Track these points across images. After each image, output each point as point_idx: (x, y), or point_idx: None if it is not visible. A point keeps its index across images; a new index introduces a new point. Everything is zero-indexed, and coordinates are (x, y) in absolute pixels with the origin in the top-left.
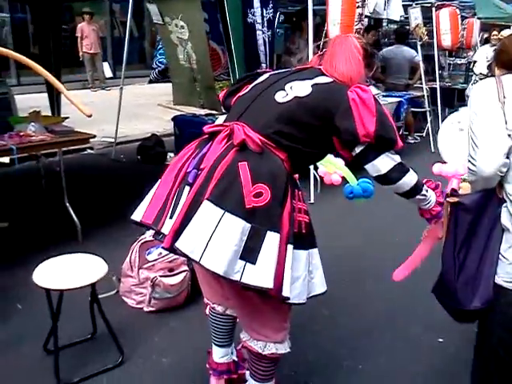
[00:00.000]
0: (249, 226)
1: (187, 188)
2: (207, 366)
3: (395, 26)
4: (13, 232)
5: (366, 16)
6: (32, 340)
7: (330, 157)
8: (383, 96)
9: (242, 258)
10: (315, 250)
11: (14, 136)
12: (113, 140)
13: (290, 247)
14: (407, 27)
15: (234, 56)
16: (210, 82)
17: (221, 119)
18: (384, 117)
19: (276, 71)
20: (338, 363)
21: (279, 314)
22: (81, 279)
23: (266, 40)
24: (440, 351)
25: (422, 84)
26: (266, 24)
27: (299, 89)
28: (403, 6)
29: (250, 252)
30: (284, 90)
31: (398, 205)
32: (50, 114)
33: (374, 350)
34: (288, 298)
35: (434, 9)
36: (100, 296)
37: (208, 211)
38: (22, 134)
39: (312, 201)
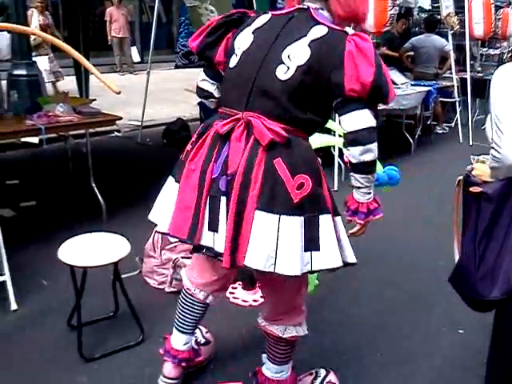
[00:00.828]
0: (302, 218)
1: (223, 198)
2: (161, 352)
3: (426, 15)
4: (40, 210)
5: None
6: (56, 315)
7: None
8: (411, 85)
9: (306, 250)
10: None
11: (42, 116)
12: (139, 123)
13: (338, 219)
14: (438, 16)
15: None
16: None
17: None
18: (382, 68)
19: (264, 20)
20: (357, 352)
21: (299, 296)
22: (104, 257)
23: None
24: (460, 343)
25: (451, 74)
26: None
27: (298, 56)
28: None
29: (311, 242)
30: (283, 62)
31: (420, 195)
32: (78, 96)
33: (394, 339)
34: (355, 264)
35: None
36: (123, 276)
37: (264, 221)
38: (50, 114)
39: (336, 188)
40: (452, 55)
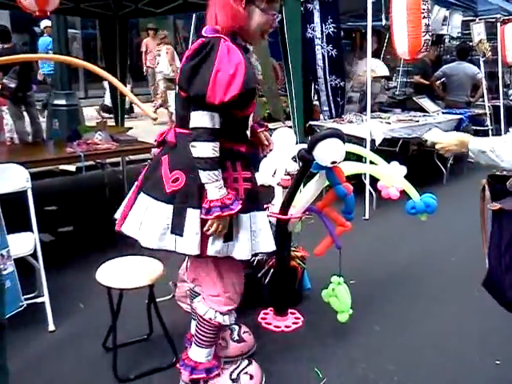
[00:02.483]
0: (172, 206)
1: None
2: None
3: (457, 42)
4: (77, 236)
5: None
6: (91, 337)
7: (386, 169)
8: (443, 113)
9: (172, 232)
10: (259, 213)
11: (81, 144)
12: None
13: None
14: (469, 43)
15: (290, 71)
16: (276, 91)
17: (279, 132)
18: (192, 69)
19: None
20: (390, 378)
21: (217, 284)
22: (140, 280)
23: (326, 55)
24: (496, 374)
25: (484, 102)
26: (325, 39)
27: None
28: (466, 21)
29: (177, 227)
30: None
31: (456, 223)
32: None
33: (425, 368)
34: (212, 256)
35: (498, 24)
36: (156, 300)
37: (142, 201)
38: (89, 142)
39: (367, 217)
40: (484, 83)
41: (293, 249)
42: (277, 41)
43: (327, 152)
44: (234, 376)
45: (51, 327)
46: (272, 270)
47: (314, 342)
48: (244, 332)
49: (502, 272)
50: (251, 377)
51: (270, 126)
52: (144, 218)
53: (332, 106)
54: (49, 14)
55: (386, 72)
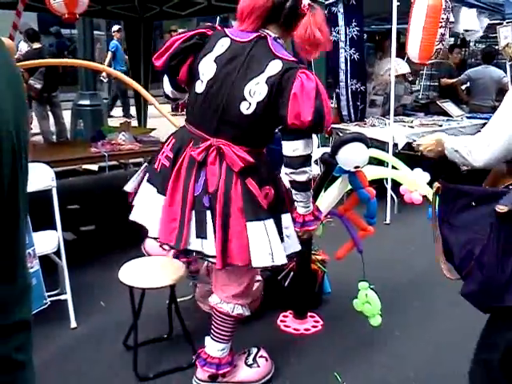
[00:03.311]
0: (272, 220)
1: (208, 212)
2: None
3: (483, 46)
4: (98, 235)
5: (452, 35)
6: (112, 335)
7: (408, 174)
8: (467, 117)
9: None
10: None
11: (106, 144)
12: None
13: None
14: (496, 47)
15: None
16: None
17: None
18: (321, 106)
19: (225, 47)
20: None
21: (250, 281)
22: (163, 280)
23: (348, 59)
24: None
25: None
26: (348, 42)
27: (258, 92)
28: (492, 24)
29: (280, 235)
30: (245, 99)
31: None
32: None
33: (446, 374)
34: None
35: None
36: (177, 299)
37: (255, 229)
38: (113, 142)
39: (388, 221)
40: (510, 87)
41: (313, 252)
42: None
43: (351, 156)
44: (250, 362)
45: (73, 324)
46: (292, 273)
47: (333, 346)
48: (260, 356)
49: (498, 273)
50: (266, 359)
51: None
52: (270, 239)
53: (351, 110)
54: (78, 16)
55: (407, 69)
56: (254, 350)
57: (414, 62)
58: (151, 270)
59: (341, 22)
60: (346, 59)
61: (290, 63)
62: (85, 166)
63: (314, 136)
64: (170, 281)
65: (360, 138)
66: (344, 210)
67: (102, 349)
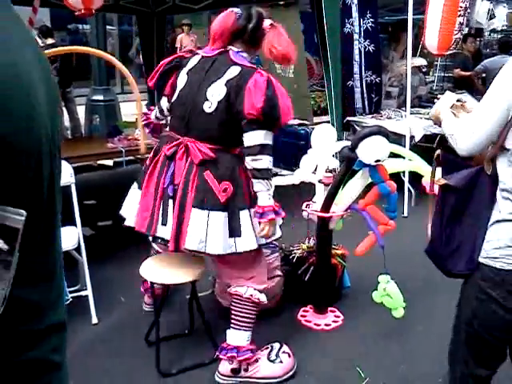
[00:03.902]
0: (226, 213)
1: (171, 201)
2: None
3: (499, 36)
4: (116, 230)
5: (466, 25)
6: (133, 331)
7: (422, 165)
8: None
9: (230, 236)
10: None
11: (122, 139)
12: None
13: (252, 210)
14: None
15: (329, 66)
16: (305, 91)
17: (320, 129)
18: (274, 97)
19: (196, 61)
20: (432, 381)
21: (255, 269)
22: (184, 275)
23: (363, 50)
24: None
25: None
26: (362, 34)
27: (217, 93)
28: (510, 13)
29: (234, 230)
30: (208, 99)
31: None
32: None
33: None
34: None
35: None
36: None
37: (197, 215)
38: (130, 137)
39: (405, 214)
40: (499, 72)
41: (333, 246)
42: (312, 35)
43: (371, 150)
44: (273, 357)
45: (94, 320)
46: (312, 268)
47: (353, 341)
48: (283, 352)
49: (443, 243)
50: (289, 354)
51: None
52: (208, 229)
53: (366, 102)
54: (94, 12)
55: (423, 61)
56: (277, 346)
57: (432, 52)
58: (172, 266)
59: (354, 13)
60: (360, 51)
61: (248, 68)
62: (100, 161)
63: (332, 129)
64: (192, 276)
65: (380, 132)
66: (365, 204)
67: (124, 344)
